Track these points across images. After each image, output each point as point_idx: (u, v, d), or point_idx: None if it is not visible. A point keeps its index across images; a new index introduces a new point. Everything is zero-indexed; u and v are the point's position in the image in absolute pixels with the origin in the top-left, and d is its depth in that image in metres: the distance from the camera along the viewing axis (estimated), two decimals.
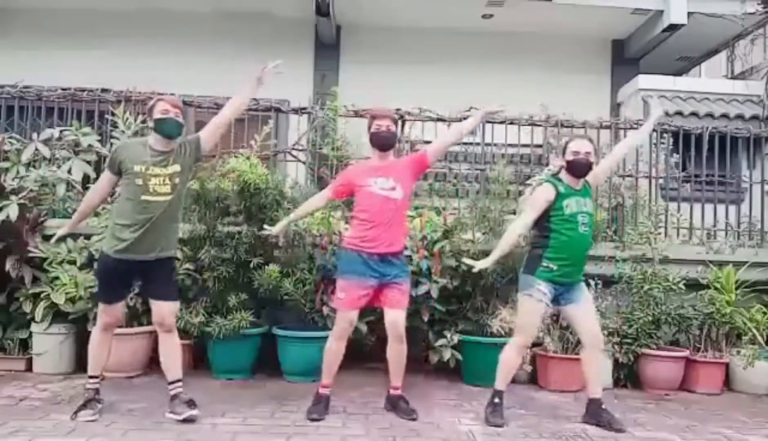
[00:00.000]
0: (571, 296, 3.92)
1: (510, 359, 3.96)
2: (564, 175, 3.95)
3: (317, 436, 3.53)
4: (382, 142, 3.95)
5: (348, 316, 3.87)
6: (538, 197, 3.93)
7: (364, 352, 4.83)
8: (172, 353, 3.78)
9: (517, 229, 3.97)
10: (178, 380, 3.77)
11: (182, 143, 3.77)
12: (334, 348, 3.93)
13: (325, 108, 6.03)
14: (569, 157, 3.90)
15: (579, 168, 3.90)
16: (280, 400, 4.24)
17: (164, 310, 3.72)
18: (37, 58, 7.57)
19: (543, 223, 3.90)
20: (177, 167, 3.68)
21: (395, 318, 3.85)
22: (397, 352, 3.92)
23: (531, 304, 3.88)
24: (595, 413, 3.92)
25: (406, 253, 4.87)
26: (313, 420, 3.76)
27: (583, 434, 3.76)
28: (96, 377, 3.79)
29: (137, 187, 3.59)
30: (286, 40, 8.33)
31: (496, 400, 3.93)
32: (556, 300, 3.93)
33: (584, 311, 3.96)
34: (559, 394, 4.74)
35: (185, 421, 3.60)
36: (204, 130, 3.86)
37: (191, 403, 3.70)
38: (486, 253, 4.99)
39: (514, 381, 4.99)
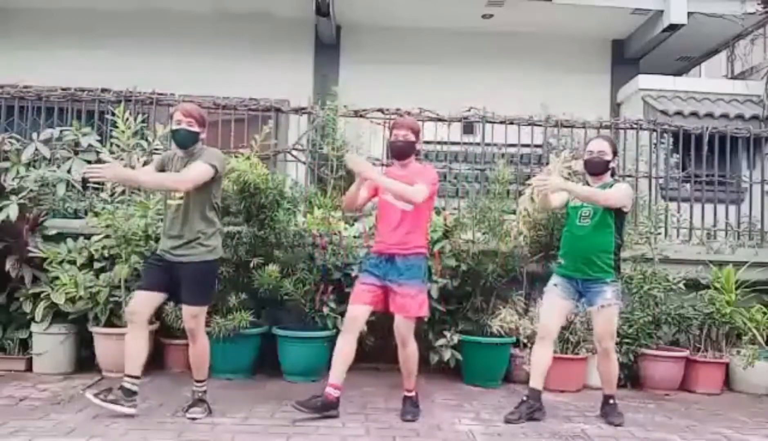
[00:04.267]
0: (589, 298, 4.00)
1: (533, 356, 4.10)
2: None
3: (317, 436, 3.53)
4: (396, 152, 4.00)
5: (351, 311, 3.88)
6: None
7: (364, 352, 4.82)
8: (192, 358, 3.88)
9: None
10: (200, 381, 3.87)
11: (202, 152, 3.75)
12: (339, 343, 3.89)
13: (325, 108, 6.03)
14: (586, 156, 4.11)
15: (591, 166, 4.07)
16: (280, 400, 4.23)
17: (183, 314, 3.79)
18: (37, 58, 7.57)
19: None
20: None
21: (396, 323, 3.85)
22: (402, 356, 3.92)
23: (545, 297, 4.13)
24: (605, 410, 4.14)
25: None
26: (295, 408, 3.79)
27: (582, 434, 3.76)
28: (133, 377, 3.74)
29: (164, 192, 3.80)
30: (286, 40, 8.34)
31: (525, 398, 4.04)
32: (584, 298, 4.04)
33: (595, 315, 4.01)
34: (559, 394, 4.74)
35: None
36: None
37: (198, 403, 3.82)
38: (486, 253, 5.05)
39: (514, 381, 5.03)
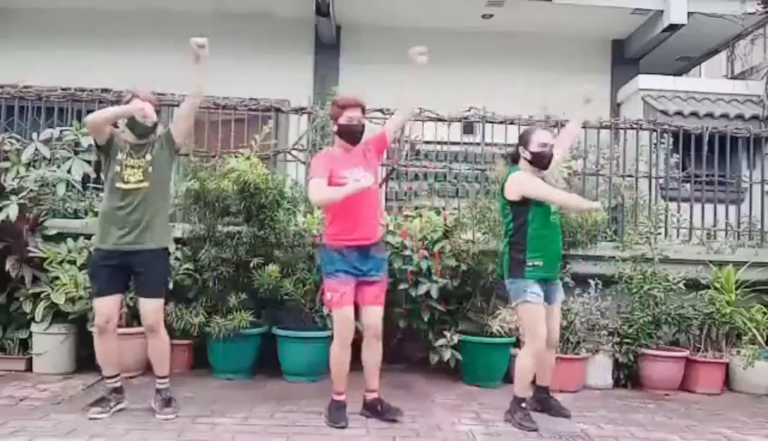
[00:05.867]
0: (550, 296, 3.90)
1: (526, 366, 3.85)
2: (525, 166, 3.89)
3: (317, 436, 3.53)
4: (353, 136, 3.79)
5: (343, 314, 3.71)
6: (530, 180, 3.83)
7: None
8: (155, 354, 3.83)
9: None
10: (165, 377, 3.84)
11: (157, 138, 3.84)
12: (336, 352, 3.78)
13: (325, 108, 6.03)
14: (537, 148, 3.81)
15: (544, 159, 3.85)
16: (280, 400, 4.24)
17: (145, 307, 3.75)
18: (37, 58, 7.57)
19: (518, 220, 3.82)
20: (149, 157, 3.75)
21: (376, 315, 3.77)
22: (375, 351, 3.83)
23: (534, 307, 3.78)
24: (542, 400, 4.09)
25: (406, 252, 4.88)
26: (341, 428, 3.65)
27: (583, 434, 3.76)
28: (112, 377, 3.81)
29: (115, 174, 3.70)
30: (286, 40, 8.34)
31: (523, 405, 3.88)
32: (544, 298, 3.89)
33: (554, 312, 3.98)
34: (559, 394, 4.72)
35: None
36: (172, 124, 3.95)
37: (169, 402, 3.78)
38: (486, 253, 5.04)
39: (513, 381, 5.02)
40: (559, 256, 3.95)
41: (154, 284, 3.75)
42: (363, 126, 3.82)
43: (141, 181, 3.69)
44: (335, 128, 3.83)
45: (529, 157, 3.85)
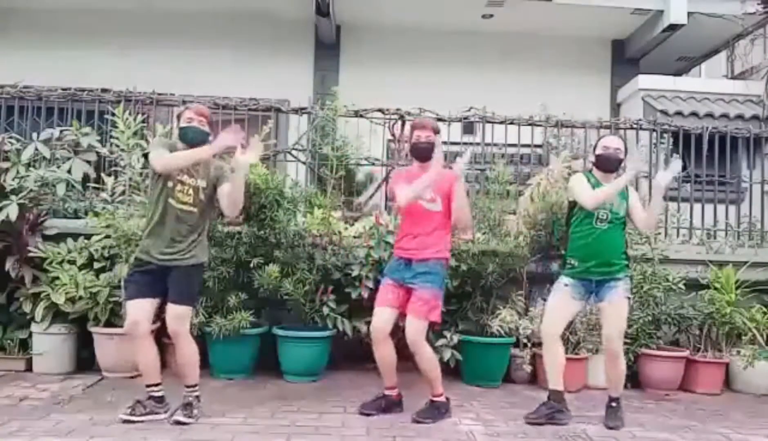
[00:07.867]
0: (602, 294, 3.94)
1: (545, 360, 4.04)
2: (596, 172, 4.04)
3: (317, 436, 3.53)
4: (421, 153, 3.97)
5: (376, 312, 3.90)
6: (577, 180, 4.01)
7: (366, 353, 4.82)
8: (179, 362, 3.75)
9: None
10: (192, 386, 3.75)
11: (213, 176, 3.75)
12: (373, 349, 3.93)
13: (325, 108, 6.03)
14: (599, 151, 3.98)
15: (608, 162, 3.96)
16: (280, 400, 4.24)
17: (168, 313, 3.66)
18: (36, 58, 7.58)
19: (568, 221, 4.06)
20: (203, 183, 3.69)
21: (406, 324, 3.81)
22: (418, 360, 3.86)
23: (553, 296, 4.05)
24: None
25: None
26: (362, 414, 3.91)
27: (583, 434, 3.76)
28: (151, 386, 3.74)
29: (168, 189, 3.60)
30: (286, 40, 8.35)
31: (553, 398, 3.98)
32: (595, 295, 3.98)
33: (607, 312, 3.95)
34: None
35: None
36: (222, 189, 3.74)
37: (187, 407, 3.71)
38: (486, 253, 5.04)
39: (514, 381, 5.03)
40: (606, 261, 3.91)
41: (182, 292, 3.67)
42: (430, 144, 3.96)
43: (191, 205, 3.63)
44: (409, 148, 4.16)
45: (593, 159, 4.05)
